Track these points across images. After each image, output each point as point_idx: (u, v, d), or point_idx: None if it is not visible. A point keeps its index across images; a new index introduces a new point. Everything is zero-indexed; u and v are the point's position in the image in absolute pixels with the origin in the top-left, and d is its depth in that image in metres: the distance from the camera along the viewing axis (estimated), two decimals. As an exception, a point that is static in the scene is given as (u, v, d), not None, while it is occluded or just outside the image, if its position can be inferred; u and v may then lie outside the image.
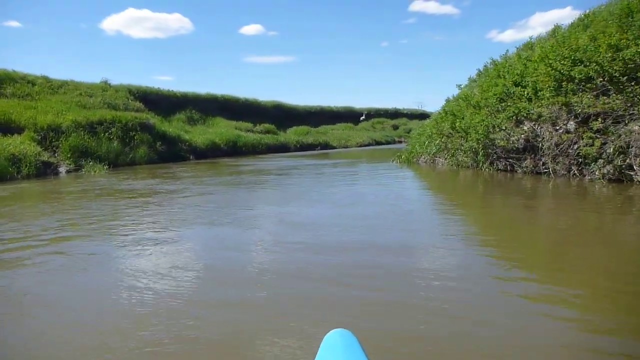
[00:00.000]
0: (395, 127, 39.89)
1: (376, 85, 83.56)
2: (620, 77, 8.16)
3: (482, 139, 10.59)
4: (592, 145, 8.29)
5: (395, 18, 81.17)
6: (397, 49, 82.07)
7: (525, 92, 10.05)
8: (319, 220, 5.95)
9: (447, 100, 16.84)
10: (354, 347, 1.31)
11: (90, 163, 13.70)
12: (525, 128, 9.92)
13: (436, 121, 14.03)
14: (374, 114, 41.21)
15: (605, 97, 8.43)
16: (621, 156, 7.96)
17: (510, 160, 10.29)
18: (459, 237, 5.01)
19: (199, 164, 16.75)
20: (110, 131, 15.85)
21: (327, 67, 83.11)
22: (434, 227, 5.65)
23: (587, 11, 11.71)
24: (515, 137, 9.98)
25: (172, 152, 18.15)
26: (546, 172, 9.42)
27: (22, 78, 18.38)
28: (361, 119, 38.76)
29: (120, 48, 72.25)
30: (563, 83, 9.10)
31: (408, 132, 35.12)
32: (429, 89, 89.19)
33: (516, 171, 10.17)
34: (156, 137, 17.89)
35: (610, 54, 8.23)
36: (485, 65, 15.20)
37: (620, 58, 8.14)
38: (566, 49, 9.18)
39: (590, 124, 8.55)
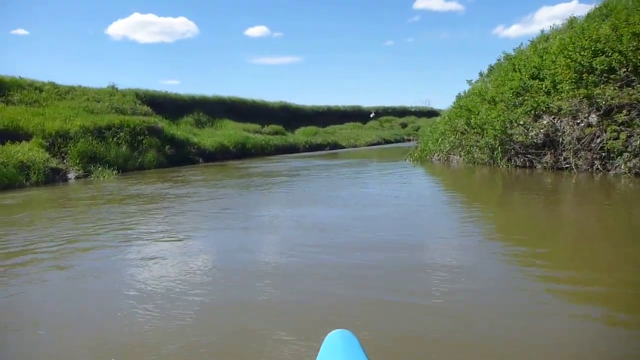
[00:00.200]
0: (404, 125, 39.54)
1: (382, 84, 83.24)
2: (646, 67, 7.85)
3: (499, 135, 10.29)
4: (617, 138, 7.98)
5: (400, 16, 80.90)
6: (402, 48, 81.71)
7: (543, 86, 9.74)
8: (341, 222, 5.70)
9: (458, 96, 16.56)
10: (354, 347, 1.31)
11: (99, 168, 13.56)
12: (544, 122, 9.61)
13: (449, 118, 13.71)
14: (381, 113, 40.90)
15: (629, 88, 8.11)
16: (648, 149, 7.65)
17: (529, 156, 9.99)
18: (485, 237, 4.81)
19: (208, 167, 16.58)
20: (118, 136, 15.71)
21: (333, 66, 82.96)
22: (459, 226, 5.38)
23: (600, 3, 11.39)
24: (534, 131, 9.68)
25: (180, 156, 17.98)
26: (567, 167, 9.12)
27: (29, 84, 18.29)
28: (371, 116, 38.44)
29: (127, 53, 72.50)
30: (584, 75, 8.79)
31: (416, 130, 34.78)
32: (435, 87, 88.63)
33: (535, 167, 9.86)
34: (165, 140, 17.74)
35: (634, 43, 7.91)
36: (497, 60, 14.90)
37: (646, 47, 7.83)
38: (586, 40, 8.86)
39: (613, 116, 8.24)
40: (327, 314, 2.97)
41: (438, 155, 13.60)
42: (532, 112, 9.76)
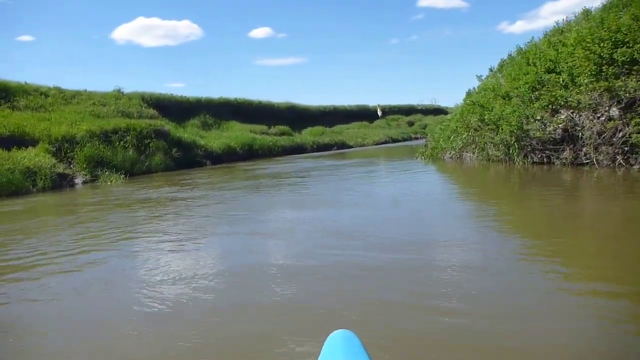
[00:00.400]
0: (411, 124, 39.18)
1: (387, 83, 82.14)
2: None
3: (515, 131, 9.98)
4: (642, 131, 7.68)
5: (403, 15, 79.92)
6: (407, 46, 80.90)
7: (561, 79, 9.42)
8: (360, 223, 5.46)
9: (468, 93, 16.24)
10: (356, 348, 1.29)
11: (106, 173, 13.37)
12: (562, 117, 9.31)
13: (461, 114, 13.40)
14: (388, 111, 40.55)
15: (653, 80, 7.81)
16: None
17: (546, 152, 9.68)
18: (502, 235, 4.62)
19: (215, 169, 16.38)
20: (125, 139, 15.53)
21: (338, 66, 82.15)
22: (475, 226, 5.13)
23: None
24: (552, 127, 9.37)
25: (188, 158, 17.79)
26: (588, 163, 8.81)
27: (35, 90, 18.19)
28: (379, 114, 38.07)
29: (132, 57, 72.28)
30: (603, 67, 8.47)
31: (424, 128, 34.46)
32: (440, 84, 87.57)
33: (553, 163, 9.56)
34: (171, 143, 17.56)
35: (658, 33, 7.61)
36: (508, 54, 14.58)
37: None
38: (605, 31, 8.54)
39: (637, 109, 7.93)
40: (340, 315, 2.93)
41: (450, 153, 13.30)
42: (549, 106, 9.45)
